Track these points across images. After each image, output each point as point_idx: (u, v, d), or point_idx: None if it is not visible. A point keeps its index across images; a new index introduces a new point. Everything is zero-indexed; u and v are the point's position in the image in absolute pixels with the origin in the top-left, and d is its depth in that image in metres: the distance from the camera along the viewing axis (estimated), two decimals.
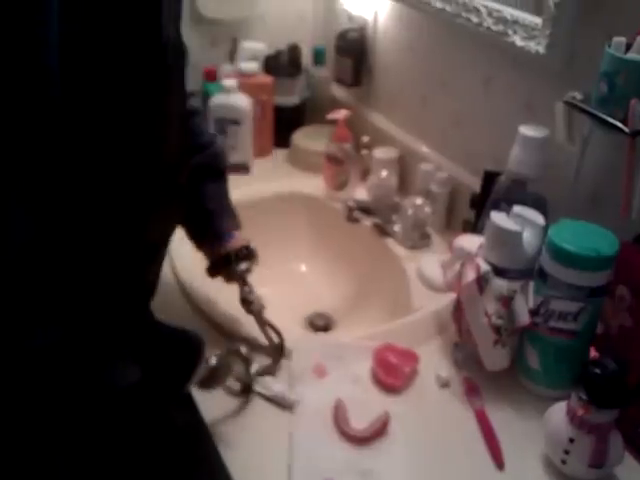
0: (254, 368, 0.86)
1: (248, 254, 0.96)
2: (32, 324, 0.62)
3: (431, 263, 1.08)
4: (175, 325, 0.81)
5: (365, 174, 1.30)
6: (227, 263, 0.95)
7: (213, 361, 0.80)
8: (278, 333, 0.93)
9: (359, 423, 0.81)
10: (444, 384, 0.89)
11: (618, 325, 0.85)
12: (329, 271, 1.26)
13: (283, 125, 1.45)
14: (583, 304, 0.82)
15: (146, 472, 1.03)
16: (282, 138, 1.45)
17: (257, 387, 0.86)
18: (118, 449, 0.92)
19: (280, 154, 1.46)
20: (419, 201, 1.15)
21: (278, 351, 0.91)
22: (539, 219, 0.88)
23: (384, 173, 1.22)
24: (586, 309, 0.82)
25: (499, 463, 0.78)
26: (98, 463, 0.87)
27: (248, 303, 0.95)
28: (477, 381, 0.89)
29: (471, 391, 0.88)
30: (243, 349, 0.85)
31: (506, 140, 0.97)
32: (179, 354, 0.78)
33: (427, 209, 1.15)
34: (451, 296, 0.95)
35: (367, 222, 1.20)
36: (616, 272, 0.82)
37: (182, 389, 0.79)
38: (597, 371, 0.73)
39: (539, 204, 0.93)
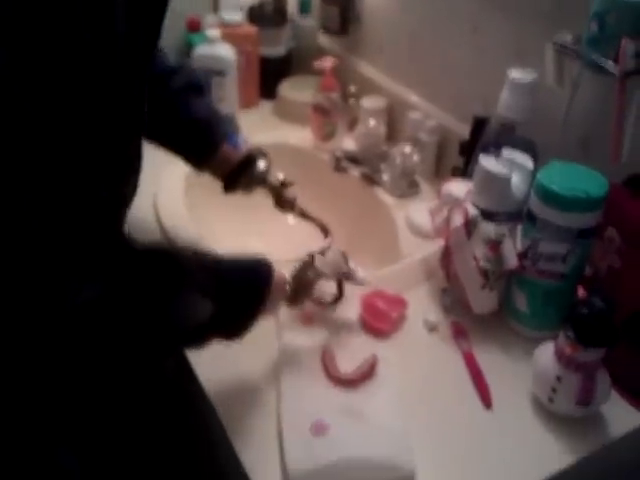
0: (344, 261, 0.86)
1: (263, 153, 0.96)
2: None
3: (420, 211, 1.07)
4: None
5: (353, 124, 1.29)
6: (245, 167, 0.94)
7: (292, 273, 0.80)
8: (318, 220, 0.98)
9: (347, 367, 0.81)
10: (432, 328, 0.89)
11: (607, 267, 0.85)
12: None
13: (269, 76, 1.42)
14: (571, 246, 0.81)
15: (138, 421, 1.04)
16: (268, 89, 1.42)
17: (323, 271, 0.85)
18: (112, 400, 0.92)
19: (266, 106, 1.43)
20: (407, 149, 1.14)
21: (326, 233, 0.95)
22: (528, 162, 0.88)
23: (372, 122, 1.20)
24: (574, 251, 0.82)
25: (487, 403, 0.79)
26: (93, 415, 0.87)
27: (284, 198, 0.97)
28: (465, 325, 0.89)
29: (459, 334, 0.88)
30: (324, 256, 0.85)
31: (496, 86, 0.95)
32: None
33: (415, 157, 1.14)
34: (440, 243, 0.95)
35: (355, 172, 1.19)
36: (605, 214, 0.82)
37: (255, 316, 0.75)
38: (584, 310, 0.73)
39: (528, 148, 0.92)
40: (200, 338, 0.72)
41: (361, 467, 0.70)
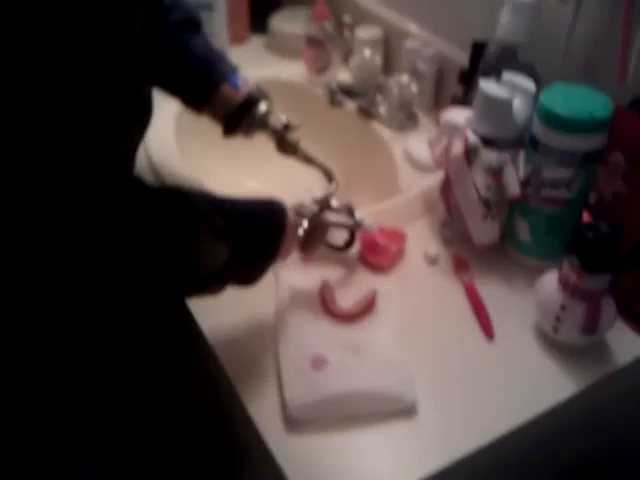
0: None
1: (265, 95, 0.92)
2: None
3: (418, 144, 1.04)
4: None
5: (348, 57, 1.24)
6: (246, 109, 0.90)
7: (305, 224, 0.77)
8: (321, 165, 0.96)
9: (347, 302, 0.80)
10: (432, 261, 0.87)
11: (612, 193, 0.82)
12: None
13: (258, 9, 1.36)
14: (576, 171, 0.78)
15: (139, 366, 1.03)
16: (258, 23, 1.37)
17: (335, 219, 0.83)
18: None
19: (257, 40, 1.38)
20: (405, 80, 1.09)
21: (330, 178, 0.93)
22: (530, 85, 0.84)
23: (367, 53, 1.15)
24: (579, 176, 0.79)
25: (489, 334, 0.77)
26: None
27: (287, 142, 0.94)
28: (466, 257, 0.87)
29: (460, 266, 0.86)
30: (334, 202, 0.83)
31: (496, 9, 0.90)
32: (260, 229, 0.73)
33: (413, 88, 1.09)
34: (439, 175, 0.92)
35: (351, 105, 1.15)
36: (611, 138, 0.78)
37: (270, 263, 0.74)
38: (590, 235, 0.70)
39: (530, 72, 0.88)
40: (214, 284, 0.69)
41: (362, 399, 0.69)
